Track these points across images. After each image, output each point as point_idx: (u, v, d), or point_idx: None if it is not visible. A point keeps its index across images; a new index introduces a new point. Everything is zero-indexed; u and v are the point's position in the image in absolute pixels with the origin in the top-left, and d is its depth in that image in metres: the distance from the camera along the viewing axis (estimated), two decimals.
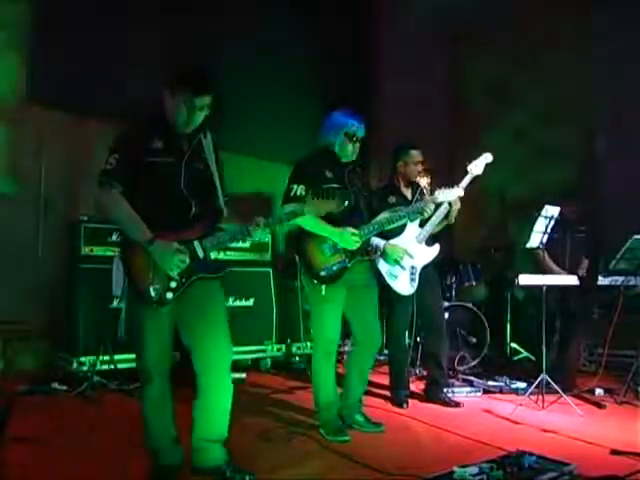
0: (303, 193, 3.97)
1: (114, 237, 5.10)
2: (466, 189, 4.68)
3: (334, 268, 4.08)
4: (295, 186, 4.06)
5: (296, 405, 4.92)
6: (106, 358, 5.03)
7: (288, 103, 7.11)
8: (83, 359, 5.04)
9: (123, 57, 5.82)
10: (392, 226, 4.34)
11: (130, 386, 4.85)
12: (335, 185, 4.10)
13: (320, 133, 4.29)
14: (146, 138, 3.10)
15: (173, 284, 3.03)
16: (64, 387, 4.92)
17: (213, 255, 3.19)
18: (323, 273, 4.08)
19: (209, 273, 3.14)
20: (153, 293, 3.01)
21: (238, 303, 5.97)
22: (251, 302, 6.10)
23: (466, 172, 4.73)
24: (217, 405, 3.21)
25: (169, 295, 3.03)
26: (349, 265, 4.11)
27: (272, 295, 6.30)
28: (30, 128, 5.55)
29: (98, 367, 5.02)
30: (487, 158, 4.75)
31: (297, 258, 4.23)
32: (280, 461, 3.57)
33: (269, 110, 6.86)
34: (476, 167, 4.73)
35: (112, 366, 5.03)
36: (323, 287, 4.08)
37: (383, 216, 4.30)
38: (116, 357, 5.02)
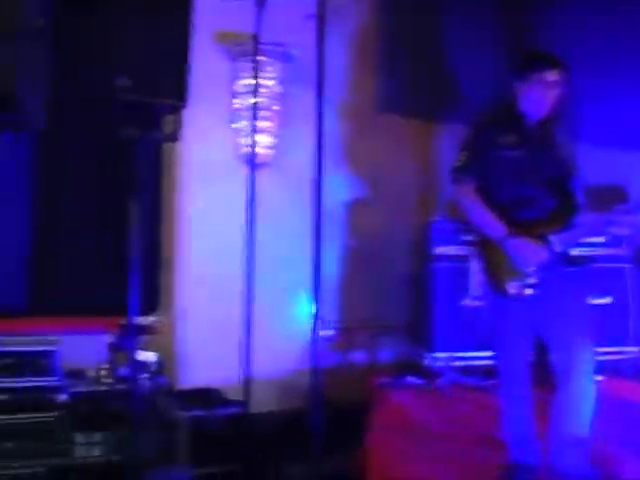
0: None
1: (467, 237, 5.19)
2: None
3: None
4: None
5: None
6: (461, 354, 5.14)
7: None
8: (438, 355, 5.20)
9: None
10: None
11: (486, 382, 4.90)
12: None
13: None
14: (495, 132, 3.15)
15: (531, 280, 3.01)
16: (419, 381, 5.12)
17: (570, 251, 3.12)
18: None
19: (568, 269, 3.07)
20: (512, 290, 3.03)
21: (593, 301, 5.67)
22: (608, 300, 5.75)
23: None
24: (574, 407, 3.10)
25: (528, 291, 3.02)
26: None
27: (628, 293, 5.87)
28: None
29: (453, 363, 5.16)
30: None
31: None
32: None
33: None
34: None
35: (467, 362, 5.13)
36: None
37: None
38: (471, 354, 5.10)
